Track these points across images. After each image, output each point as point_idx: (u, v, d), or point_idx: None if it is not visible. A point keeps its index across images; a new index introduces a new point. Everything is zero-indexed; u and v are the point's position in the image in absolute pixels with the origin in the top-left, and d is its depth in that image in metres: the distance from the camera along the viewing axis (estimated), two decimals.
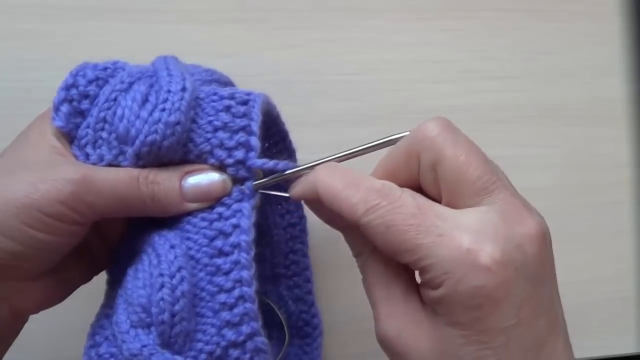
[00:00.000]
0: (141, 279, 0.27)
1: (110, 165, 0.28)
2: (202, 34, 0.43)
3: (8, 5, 0.40)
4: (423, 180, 0.27)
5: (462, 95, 0.46)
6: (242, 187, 0.29)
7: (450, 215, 0.25)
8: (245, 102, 0.29)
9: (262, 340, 0.27)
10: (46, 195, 0.25)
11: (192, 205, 0.28)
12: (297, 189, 0.29)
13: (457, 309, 0.24)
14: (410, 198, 0.26)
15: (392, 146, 0.28)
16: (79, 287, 0.31)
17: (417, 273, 0.26)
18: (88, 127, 0.29)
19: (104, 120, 0.28)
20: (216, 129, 0.29)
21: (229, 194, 0.29)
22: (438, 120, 0.27)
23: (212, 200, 0.29)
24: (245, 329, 0.27)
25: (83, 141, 0.29)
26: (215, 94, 0.30)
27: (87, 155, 0.28)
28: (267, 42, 0.43)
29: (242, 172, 0.29)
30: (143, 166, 0.28)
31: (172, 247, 0.28)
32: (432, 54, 0.46)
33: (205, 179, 0.28)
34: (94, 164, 0.28)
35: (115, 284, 0.29)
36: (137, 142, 0.27)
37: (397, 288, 0.27)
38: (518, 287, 0.24)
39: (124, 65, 0.31)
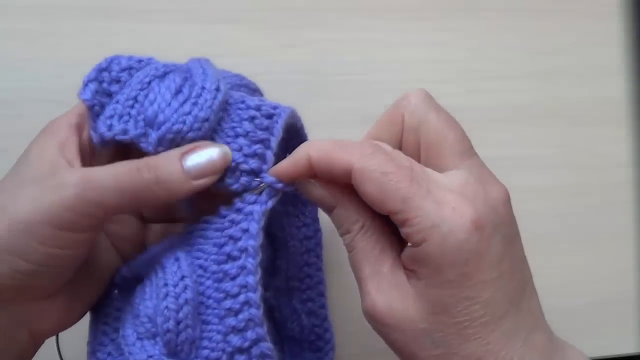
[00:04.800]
0: (148, 292, 0.28)
1: (132, 141, 0.28)
2: (202, 34, 0.43)
3: (8, 5, 0.40)
4: (405, 143, 0.29)
5: (462, 95, 0.46)
6: (255, 192, 0.29)
7: (437, 176, 0.27)
8: (270, 116, 0.29)
9: (267, 345, 0.27)
10: (52, 206, 0.25)
11: (200, 182, 0.28)
12: (287, 162, 0.28)
13: (445, 265, 0.25)
14: (402, 154, 0.27)
15: (380, 115, 0.30)
16: (94, 303, 0.31)
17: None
18: (118, 102, 0.29)
19: (135, 99, 0.29)
20: (237, 136, 0.29)
21: (242, 199, 0.29)
22: (421, 90, 0.29)
23: (218, 173, 0.28)
24: (250, 334, 0.27)
25: (109, 113, 0.29)
26: (243, 102, 0.30)
27: (110, 127, 0.28)
28: (267, 42, 0.43)
29: (255, 183, 0.29)
30: (159, 153, 0.28)
31: (177, 259, 0.28)
32: (432, 54, 0.46)
33: (204, 155, 0.28)
34: (114, 135, 0.28)
35: (110, 305, 0.30)
36: (163, 128, 0.28)
37: (385, 264, 0.27)
38: (496, 243, 0.26)
39: (157, 62, 0.31)
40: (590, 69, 0.48)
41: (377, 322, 0.27)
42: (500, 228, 0.26)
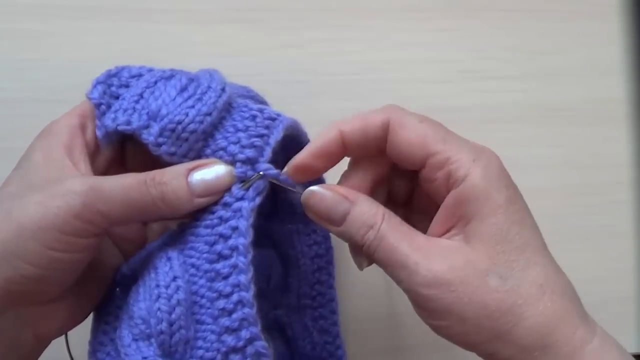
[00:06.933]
0: (141, 293, 0.28)
1: (134, 133, 0.28)
2: (202, 34, 0.43)
3: (8, 5, 0.40)
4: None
5: (462, 95, 0.46)
6: (242, 185, 0.29)
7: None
8: (272, 119, 0.30)
9: (262, 344, 0.27)
10: (60, 213, 0.25)
11: (202, 200, 0.28)
12: (313, 145, 0.29)
13: (493, 190, 0.27)
14: None
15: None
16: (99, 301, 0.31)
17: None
18: (124, 99, 0.30)
19: (141, 95, 0.29)
20: (237, 130, 0.30)
21: (230, 192, 0.29)
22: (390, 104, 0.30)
23: (221, 193, 0.29)
24: (244, 334, 0.27)
25: (115, 108, 0.29)
26: (246, 106, 0.31)
27: (115, 119, 0.29)
28: (267, 42, 0.43)
29: (250, 173, 0.29)
30: (160, 144, 0.28)
31: (169, 259, 0.28)
32: (432, 54, 0.46)
33: (210, 172, 0.28)
34: (118, 125, 0.29)
35: (111, 303, 0.30)
36: (165, 119, 0.28)
37: (419, 236, 0.28)
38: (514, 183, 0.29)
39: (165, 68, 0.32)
40: (590, 69, 0.48)
41: (439, 285, 0.26)
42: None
